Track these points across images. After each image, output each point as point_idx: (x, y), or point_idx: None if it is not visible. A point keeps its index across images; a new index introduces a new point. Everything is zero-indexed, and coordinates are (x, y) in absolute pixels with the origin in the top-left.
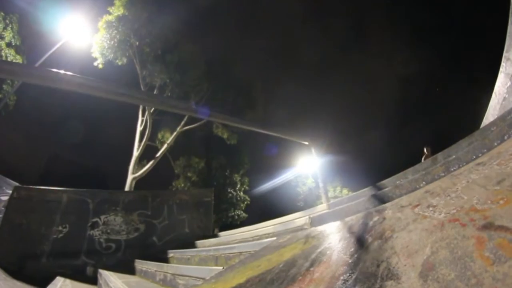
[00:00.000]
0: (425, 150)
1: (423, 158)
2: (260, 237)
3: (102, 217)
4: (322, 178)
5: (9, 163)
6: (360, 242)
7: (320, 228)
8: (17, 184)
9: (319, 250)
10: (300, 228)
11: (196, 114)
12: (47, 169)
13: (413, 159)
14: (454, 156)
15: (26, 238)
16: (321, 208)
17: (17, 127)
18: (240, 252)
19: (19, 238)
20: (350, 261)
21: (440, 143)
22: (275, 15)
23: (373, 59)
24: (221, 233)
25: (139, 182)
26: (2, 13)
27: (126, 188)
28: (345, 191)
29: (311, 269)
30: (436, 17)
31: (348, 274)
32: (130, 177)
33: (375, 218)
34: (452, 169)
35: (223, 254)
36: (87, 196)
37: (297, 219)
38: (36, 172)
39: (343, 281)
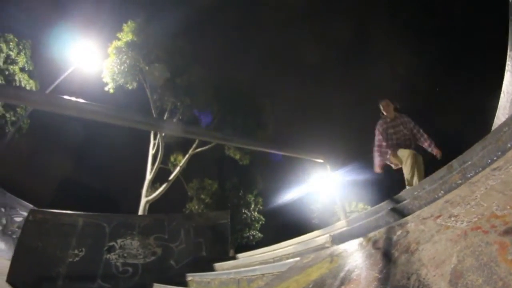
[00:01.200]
0: (381, 107)
1: (378, 126)
2: (281, 257)
3: (119, 241)
4: (339, 194)
5: (22, 184)
6: (387, 257)
7: (343, 245)
8: (31, 206)
9: (347, 268)
10: (322, 247)
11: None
12: (59, 192)
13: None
14: (469, 162)
15: (42, 260)
16: (340, 225)
17: (30, 149)
18: (262, 274)
19: (35, 260)
20: (380, 276)
21: (451, 147)
22: (282, 28)
23: (381, 68)
24: (239, 255)
25: (153, 205)
26: (15, 39)
27: (140, 211)
28: (360, 205)
29: (344, 286)
30: (435, 19)
31: None
32: (143, 200)
33: (399, 232)
34: (468, 175)
35: (245, 276)
36: (103, 220)
37: (317, 237)
38: (48, 194)
39: None
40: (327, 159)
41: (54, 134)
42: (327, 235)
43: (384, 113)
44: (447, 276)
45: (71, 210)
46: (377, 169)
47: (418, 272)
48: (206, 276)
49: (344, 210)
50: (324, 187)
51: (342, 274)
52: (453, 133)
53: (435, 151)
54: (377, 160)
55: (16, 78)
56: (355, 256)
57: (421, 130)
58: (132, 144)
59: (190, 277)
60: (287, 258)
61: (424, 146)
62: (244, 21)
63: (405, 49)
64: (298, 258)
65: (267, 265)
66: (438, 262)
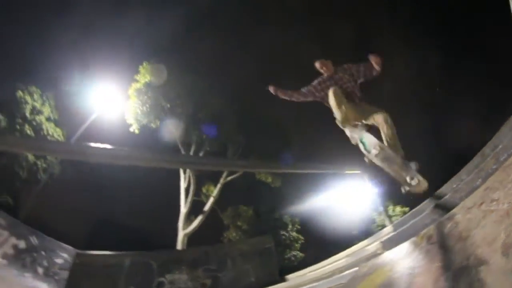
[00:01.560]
0: (319, 69)
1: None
2: (334, 272)
3: (167, 276)
4: (381, 201)
5: (59, 227)
6: (444, 248)
7: (398, 248)
8: (70, 247)
9: (409, 266)
10: (375, 254)
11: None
12: (94, 232)
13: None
14: (500, 146)
15: None
16: (387, 231)
17: (63, 193)
18: None
19: None
20: (442, 264)
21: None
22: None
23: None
24: (288, 276)
25: (190, 237)
26: (39, 90)
27: (178, 245)
28: (398, 208)
29: (413, 281)
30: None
31: (446, 274)
32: (181, 233)
33: (449, 225)
34: (501, 159)
35: None
36: (150, 257)
37: (366, 247)
38: (84, 235)
39: (445, 279)
40: (363, 169)
41: (85, 175)
42: (377, 242)
43: (325, 71)
44: (499, 249)
45: (107, 249)
46: (274, 89)
47: (474, 253)
48: None
49: (388, 216)
50: (360, 196)
51: (407, 272)
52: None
53: (373, 62)
54: (286, 92)
55: (43, 127)
56: (413, 254)
57: (355, 65)
58: (162, 179)
59: None
60: (341, 272)
61: (371, 74)
62: (247, 25)
63: (408, 48)
64: (356, 268)
65: (324, 280)
66: (489, 241)
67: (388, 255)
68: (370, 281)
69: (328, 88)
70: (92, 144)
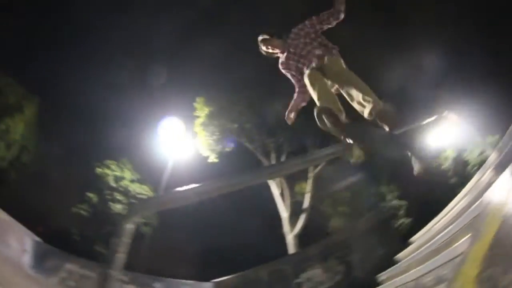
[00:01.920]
0: (266, 50)
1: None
2: (459, 213)
3: (303, 275)
4: (473, 135)
5: (175, 269)
6: None
7: (508, 171)
8: (192, 282)
9: None
10: (490, 183)
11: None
12: (205, 261)
13: None
14: None
15: None
16: (492, 158)
17: (168, 238)
18: (454, 232)
19: None
20: None
21: None
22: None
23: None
24: (412, 239)
25: (299, 238)
26: (114, 161)
27: (290, 248)
28: (488, 139)
29: None
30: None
31: None
32: (289, 236)
33: None
34: None
35: (440, 243)
36: (282, 263)
37: (478, 181)
38: (201, 268)
39: None
40: (447, 112)
41: (180, 216)
42: (489, 171)
43: (275, 53)
44: None
45: (229, 274)
46: (288, 115)
47: None
48: (402, 265)
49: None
50: (447, 141)
51: None
52: None
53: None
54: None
55: (130, 189)
56: None
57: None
58: (254, 193)
59: (384, 276)
60: (468, 208)
61: (334, 19)
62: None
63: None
64: (480, 200)
65: (455, 223)
66: None
67: (506, 174)
68: (501, 202)
69: (292, 62)
70: (181, 188)
